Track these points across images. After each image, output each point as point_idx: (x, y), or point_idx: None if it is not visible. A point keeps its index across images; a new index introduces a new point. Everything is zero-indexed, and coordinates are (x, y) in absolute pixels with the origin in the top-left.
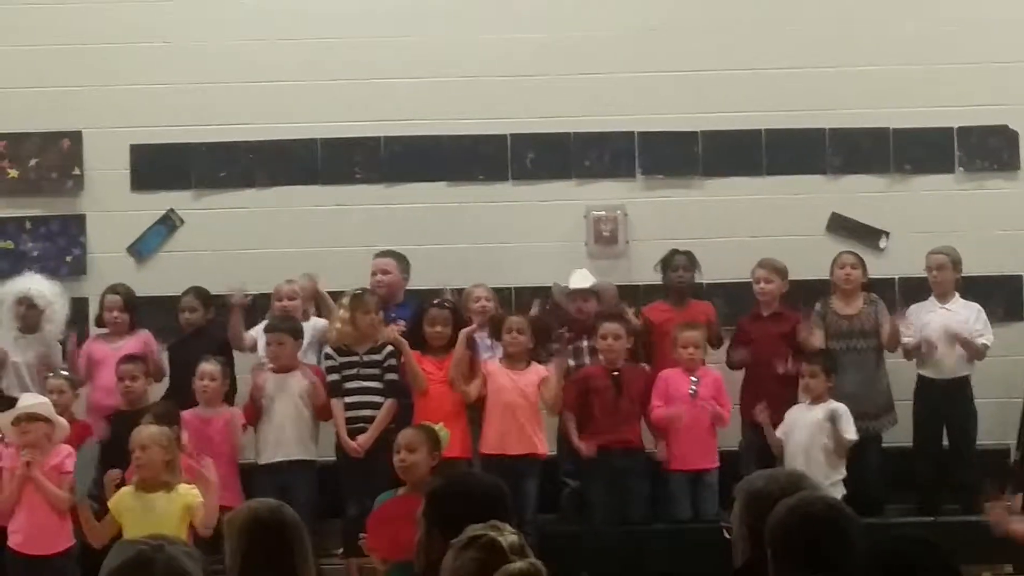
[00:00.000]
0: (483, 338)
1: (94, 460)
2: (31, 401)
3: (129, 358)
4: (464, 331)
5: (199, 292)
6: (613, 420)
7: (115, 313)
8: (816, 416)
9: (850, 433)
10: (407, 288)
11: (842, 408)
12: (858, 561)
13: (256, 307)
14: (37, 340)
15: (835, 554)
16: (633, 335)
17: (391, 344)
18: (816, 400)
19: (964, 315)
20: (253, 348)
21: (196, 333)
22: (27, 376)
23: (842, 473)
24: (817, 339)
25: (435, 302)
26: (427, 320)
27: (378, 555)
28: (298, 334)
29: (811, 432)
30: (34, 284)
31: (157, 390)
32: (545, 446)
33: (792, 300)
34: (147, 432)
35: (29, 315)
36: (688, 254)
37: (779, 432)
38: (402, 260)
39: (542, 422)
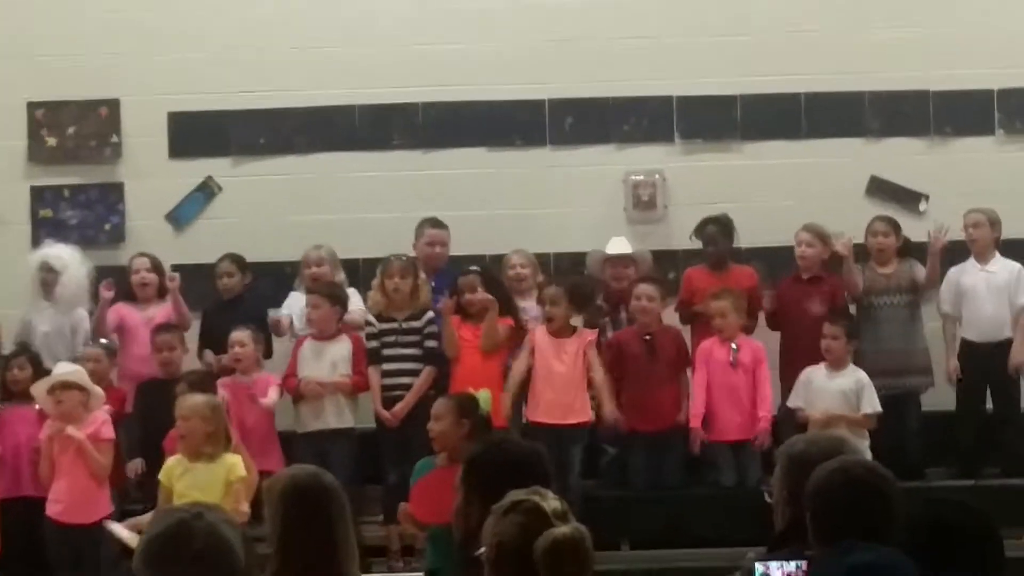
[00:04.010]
0: (528, 308)
1: None
2: (65, 369)
3: (164, 327)
4: (487, 301)
5: (235, 257)
6: (646, 384)
7: (142, 274)
8: (839, 386)
9: (873, 407)
10: None
11: (865, 380)
12: (898, 525)
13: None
14: (62, 308)
15: (875, 518)
16: (671, 298)
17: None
18: (837, 365)
19: (1004, 277)
20: (289, 328)
21: (232, 300)
22: (60, 347)
23: (866, 439)
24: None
25: (465, 270)
26: (459, 289)
27: (419, 518)
28: (337, 300)
29: (833, 402)
30: (52, 250)
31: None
32: (589, 413)
33: (830, 263)
34: (190, 402)
35: (48, 279)
36: (719, 221)
37: (796, 399)
38: (449, 232)
39: (586, 389)
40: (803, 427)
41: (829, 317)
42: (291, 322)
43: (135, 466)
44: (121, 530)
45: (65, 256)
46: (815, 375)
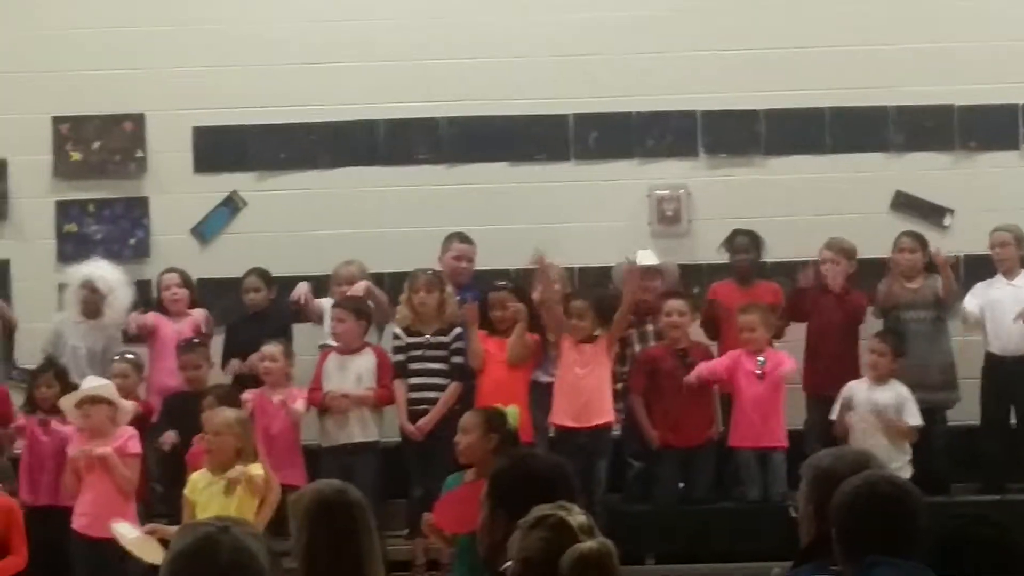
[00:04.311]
0: None
1: None
2: (94, 383)
3: (189, 346)
4: (518, 311)
5: (261, 272)
6: (679, 400)
7: (173, 290)
8: (881, 398)
9: (915, 419)
10: None
11: (906, 394)
12: (923, 540)
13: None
14: (98, 327)
15: (900, 533)
16: (696, 313)
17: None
18: (879, 381)
19: None
20: (321, 319)
21: (257, 315)
22: (85, 362)
23: (908, 454)
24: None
25: (494, 285)
26: (488, 305)
27: (444, 530)
28: (363, 314)
29: (874, 414)
30: (97, 270)
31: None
32: (612, 415)
33: (857, 279)
34: (222, 418)
35: (91, 300)
36: (751, 234)
37: (838, 410)
38: (474, 246)
39: (610, 393)
40: (844, 438)
41: (878, 333)
42: (321, 314)
43: (170, 437)
44: (127, 530)
45: (110, 278)
46: (857, 389)
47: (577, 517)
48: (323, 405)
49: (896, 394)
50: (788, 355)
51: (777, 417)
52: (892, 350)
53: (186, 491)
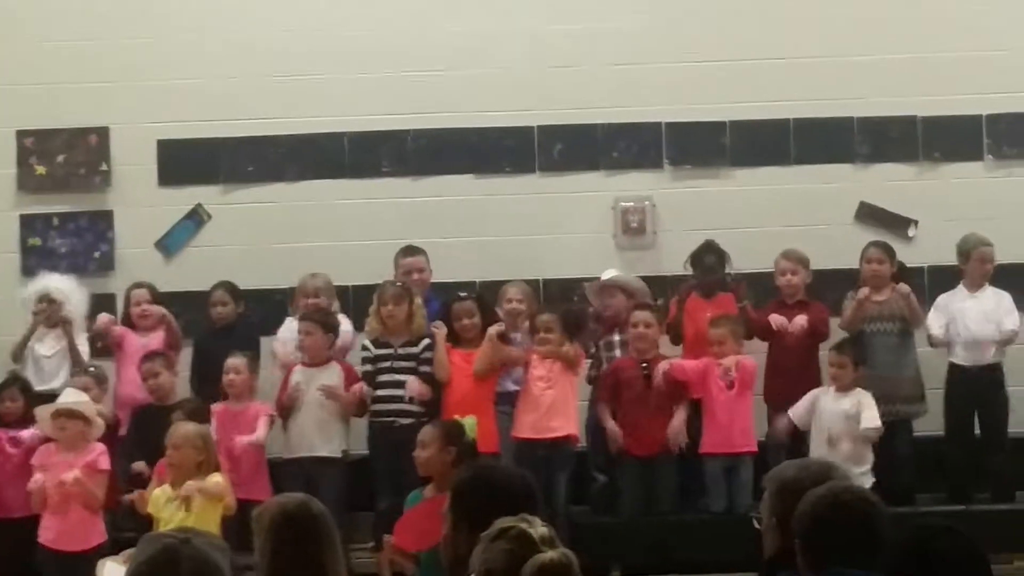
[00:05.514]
0: (514, 336)
1: None
2: (73, 398)
3: (149, 355)
4: (491, 329)
5: (229, 286)
6: (642, 411)
7: (144, 306)
8: (843, 406)
9: (873, 422)
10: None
11: (867, 398)
12: (886, 551)
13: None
14: (59, 336)
15: (864, 544)
16: (664, 324)
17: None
18: (843, 389)
19: (992, 302)
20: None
21: (224, 328)
22: (59, 368)
23: (869, 462)
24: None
25: (458, 296)
26: (453, 315)
27: (406, 549)
28: (330, 327)
29: (837, 422)
30: (50, 281)
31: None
32: (576, 428)
33: (821, 290)
34: (182, 431)
35: (50, 310)
36: (718, 252)
37: (798, 411)
38: (426, 255)
39: (574, 408)
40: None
41: (836, 346)
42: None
43: (140, 467)
44: (114, 573)
45: (64, 287)
46: (822, 395)
47: (539, 529)
48: (289, 400)
49: (856, 401)
50: (750, 359)
51: (746, 423)
52: (852, 360)
53: (150, 509)
